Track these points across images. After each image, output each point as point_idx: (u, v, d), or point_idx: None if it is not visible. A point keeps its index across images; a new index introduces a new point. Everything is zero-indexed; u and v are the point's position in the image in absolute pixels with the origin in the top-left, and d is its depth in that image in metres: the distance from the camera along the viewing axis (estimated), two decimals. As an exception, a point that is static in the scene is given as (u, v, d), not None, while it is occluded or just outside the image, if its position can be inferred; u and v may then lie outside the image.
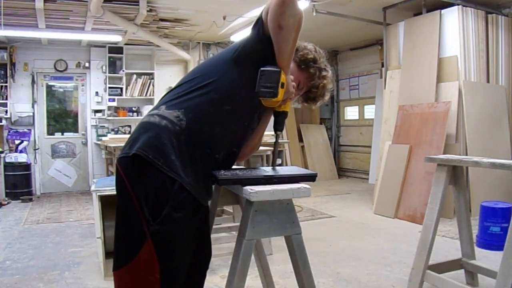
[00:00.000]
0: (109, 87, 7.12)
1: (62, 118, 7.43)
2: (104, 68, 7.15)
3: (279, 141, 1.62)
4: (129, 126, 7.30)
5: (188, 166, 1.36)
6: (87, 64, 7.18)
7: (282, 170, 1.65)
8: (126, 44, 7.01)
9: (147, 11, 5.42)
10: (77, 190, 7.21)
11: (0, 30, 5.31)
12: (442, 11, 4.99)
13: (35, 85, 6.89)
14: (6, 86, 6.60)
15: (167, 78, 7.42)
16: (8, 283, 2.90)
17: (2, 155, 6.37)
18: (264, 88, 1.40)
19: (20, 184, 6.36)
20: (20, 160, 6.45)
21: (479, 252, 3.17)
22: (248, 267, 1.46)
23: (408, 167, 4.85)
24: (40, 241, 3.98)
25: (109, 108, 7.15)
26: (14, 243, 3.93)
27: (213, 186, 1.84)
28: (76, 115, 7.42)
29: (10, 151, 6.56)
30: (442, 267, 2.61)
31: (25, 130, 6.80)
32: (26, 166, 6.52)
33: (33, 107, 6.89)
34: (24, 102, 6.83)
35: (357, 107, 8.55)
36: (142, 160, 1.32)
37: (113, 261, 1.40)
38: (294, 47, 1.43)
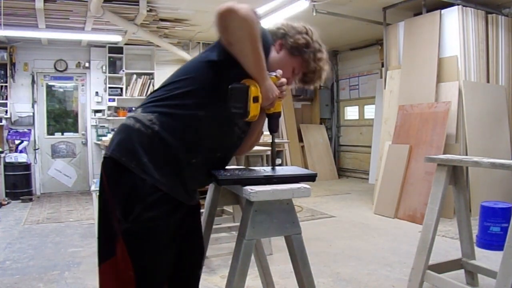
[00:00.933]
0: (109, 87, 7.12)
1: (62, 118, 7.43)
2: (104, 68, 7.14)
3: (275, 141, 1.59)
4: (129, 126, 7.29)
5: (164, 166, 1.36)
6: (87, 64, 7.17)
7: (282, 170, 1.65)
8: (126, 44, 7.01)
9: (147, 11, 5.42)
10: (77, 190, 7.21)
11: (0, 30, 5.31)
12: (442, 11, 4.99)
13: (35, 85, 6.89)
14: (6, 86, 6.60)
15: (167, 78, 7.42)
16: (8, 283, 2.90)
17: (2, 155, 6.37)
18: (234, 109, 1.35)
19: (20, 184, 6.36)
20: (20, 160, 6.46)
21: (479, 252, 3.17)
22: (248, 267, 1.46)
23: (408, 167, 4.85)
24: (40, 241, 3.98)
25: (109, 108, 7.14)
26: (14, 243, 3.93)
27: (213, 186, 1.85)
28: (76, 115, 7.42)
29: (10, 151, 6.56)
30: (442, 267, 2.61)
31: (25, 130, 6.80)
32: (26, 166, 6.52)
33: (33, 107, 6.89)
34: (24, 102, 6.83)
35: (357, 107, 8.55)
36: (116, 161, 1.35)
37: (97, 256, 1.44)
38: (258, 56, 1.31)
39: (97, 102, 7.16)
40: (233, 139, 1.53)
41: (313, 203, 5.68)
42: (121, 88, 7.14)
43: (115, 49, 7.10)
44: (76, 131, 7.38)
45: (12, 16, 5.36)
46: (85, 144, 7.30)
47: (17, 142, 6.60)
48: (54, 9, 5.23)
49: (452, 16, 4.91)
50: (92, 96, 7.15)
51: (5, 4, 4.90)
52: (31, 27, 5.80)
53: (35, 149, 6.91)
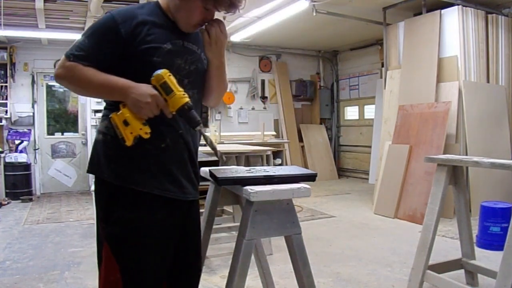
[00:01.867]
0: (109, 87, 7.11)
1: (62, 118, 7.43)
2: (104, 68, 7.14)
3: (205, 135, 1.37)
4: (129, 126, 7.29)
5: (135, 165, 1.38)
6: (87, 64, 7.17)
7: (282, 170, 1.65)
8: (126, 44, 7.00)
9: (147, 11, 5.41)
10: (77, 190, 7.20)
11: (0, 30, 5.32)
12: (442, 11, 4.99)
13: (35, 85, 6.89)
14: (6, 86, 6.60)
15: (167, 78, 7.41)
16: (8, 283, 2.90)
17: (2, 155, 6.36)
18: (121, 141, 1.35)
19: (20, 184, 6.36)
20: (20, 160, 6.45)
21: (479, 252, 3.17)
22: (248, 267, 1.46)
23: (408, 167, 4.85)
24: (40, 241, 3.98)
25: (109, 108, 7.13)
26: (14, 243, 3.93)
27: (213, 186, 1.84)
28: (76, 115, 7.42)
29: (10, 151, 6.56)
30: (442, 267, 2.61)
31: (25, 130, 6.79)
32: (26, 166, 6.52)
33: (33, 107, 6.89)
34: (24, 102, 6.82)
35: (357, 107, 8.55)
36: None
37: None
38: (98, 89, 1.34)
39: (97, 102, 7.15)
40: (196, 103, 1.45)
41: (313, 203, 5.68)
42: (121, 88, 7.13)
43: (115, 49, 7.08)
44: (76, 131, 7.38)
45: (12, 16, 5.37)
46: (85, 144, 7.29)
47: (17, 142, 6.60)
48: (54, 9, 5.23)
49: (452, 16, 4.91)
50: (92, 96, 7.14)
51: (5, 4, 4.90)
52: (31, 27, 5.80)
53: (35, 149, 6.91)
